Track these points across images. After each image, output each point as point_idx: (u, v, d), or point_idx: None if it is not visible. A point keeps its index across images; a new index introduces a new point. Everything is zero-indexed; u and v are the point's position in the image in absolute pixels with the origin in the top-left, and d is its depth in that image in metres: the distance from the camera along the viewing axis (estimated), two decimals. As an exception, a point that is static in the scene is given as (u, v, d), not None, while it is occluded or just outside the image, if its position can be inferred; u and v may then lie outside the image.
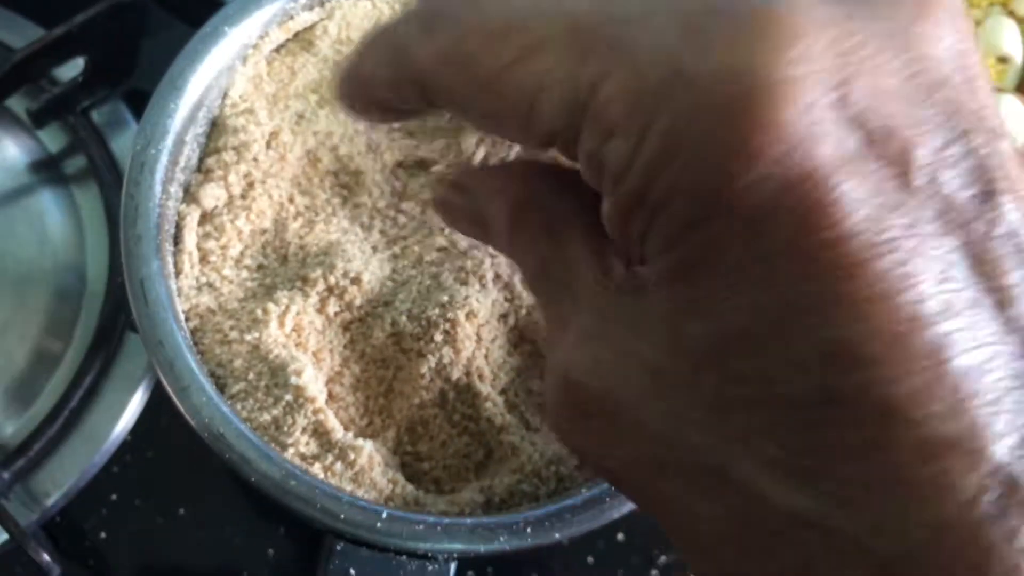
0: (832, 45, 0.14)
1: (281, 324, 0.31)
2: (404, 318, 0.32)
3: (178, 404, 0.28)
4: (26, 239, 0.42)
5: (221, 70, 0.32)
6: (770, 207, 0.14)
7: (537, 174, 0.21)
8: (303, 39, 0.34)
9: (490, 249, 0.33)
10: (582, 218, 0.19)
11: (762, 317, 0.14)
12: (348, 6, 0.34)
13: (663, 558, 0.41)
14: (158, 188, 0.30)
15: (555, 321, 0.18)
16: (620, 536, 0.41)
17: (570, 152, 0.17)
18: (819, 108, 0.14)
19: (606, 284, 0.17)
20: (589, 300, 0.17)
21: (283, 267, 0.32)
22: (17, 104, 0.42)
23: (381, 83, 0.19)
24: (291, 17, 0.33)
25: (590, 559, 0.41)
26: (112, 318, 0.40)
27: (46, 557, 0.33)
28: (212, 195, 0.32)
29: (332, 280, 0.31)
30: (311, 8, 0.34)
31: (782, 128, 0.14)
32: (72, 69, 0.42)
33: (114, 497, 0.39)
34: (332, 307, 0.32)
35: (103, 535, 0.38)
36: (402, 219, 0.34)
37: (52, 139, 0.43)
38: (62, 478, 0.38)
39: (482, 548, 0.28)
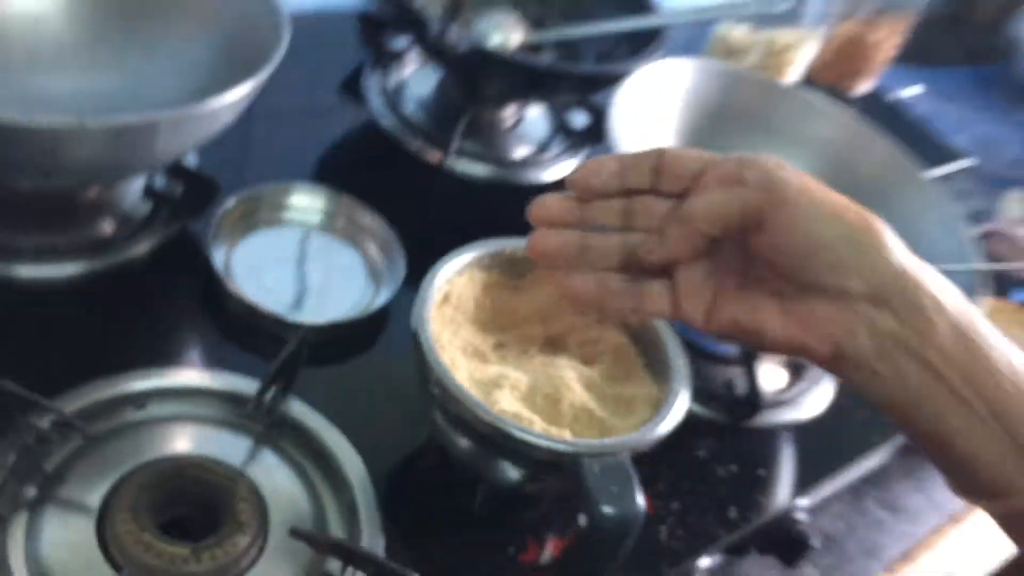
0: None
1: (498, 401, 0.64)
2: (544, 391, 0.66)
3: (463, 402, 0.61)
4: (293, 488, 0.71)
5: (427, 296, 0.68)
6: None
7: None
8: (447, 297, 0.71)
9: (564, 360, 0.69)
10: None
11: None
12: (458, 282, 0.72)
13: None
14: (430, 333, 0.64)
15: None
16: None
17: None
18: None
19: None
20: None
21: (476, 385, 0.66)
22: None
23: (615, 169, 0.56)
24: (448, 283, 0.71)
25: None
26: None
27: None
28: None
29: (508, 383, 0.66)
30: (450, 282, 0.72)
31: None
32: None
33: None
34: (514, 393, 0.66)
35: None
36: (525, 360, 0.70)
37: (257, 422, 0.73)
38: None
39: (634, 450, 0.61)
